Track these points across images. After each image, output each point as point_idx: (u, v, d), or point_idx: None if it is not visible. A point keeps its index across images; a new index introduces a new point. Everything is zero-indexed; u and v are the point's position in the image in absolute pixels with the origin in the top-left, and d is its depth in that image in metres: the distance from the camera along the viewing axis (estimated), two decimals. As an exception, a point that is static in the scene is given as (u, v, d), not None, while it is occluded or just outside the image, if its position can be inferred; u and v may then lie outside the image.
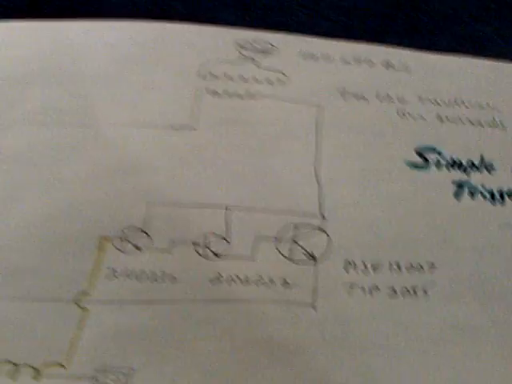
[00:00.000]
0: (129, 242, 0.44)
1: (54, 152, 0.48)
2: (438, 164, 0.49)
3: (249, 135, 0.49)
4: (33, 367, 0.40)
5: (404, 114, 0.51)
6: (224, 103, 0.51)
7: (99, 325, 0.42)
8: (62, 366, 0.40)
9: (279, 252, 0.44)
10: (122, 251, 0.44)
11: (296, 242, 0.44)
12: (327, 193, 0.46)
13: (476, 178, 0.48)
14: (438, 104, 0.52)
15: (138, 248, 0.44)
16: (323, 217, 0.45)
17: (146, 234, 0.45)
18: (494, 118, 0.52)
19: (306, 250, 0.44)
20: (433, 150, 0.49)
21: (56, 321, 0.42)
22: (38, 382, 0.40)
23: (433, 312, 0.42)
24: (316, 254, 0.44)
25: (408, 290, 0.43)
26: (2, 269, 0.43)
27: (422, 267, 0.44)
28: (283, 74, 0.53)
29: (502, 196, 0.47)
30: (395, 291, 0.43)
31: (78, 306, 0.42)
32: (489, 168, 0.49)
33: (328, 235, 0.45)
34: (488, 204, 0.47)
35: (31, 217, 0.45)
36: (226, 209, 0.46)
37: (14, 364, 0.40)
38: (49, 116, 0.50)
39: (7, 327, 0.41)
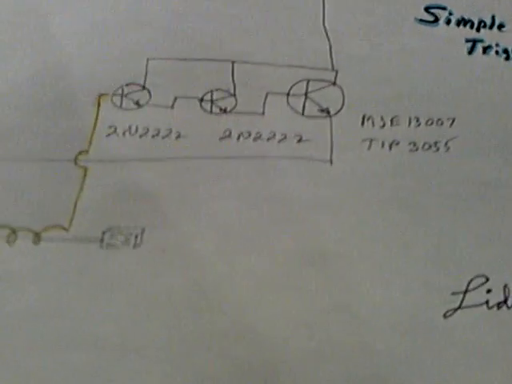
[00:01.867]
0: (129, 98, 0.40)
1: (39, 6, 0.43)
2: (448, 21, 0.46)
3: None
4: (32, 231, 0.37)
5: None
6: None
7: (101, 184, 0.39)
8: (64, 228, 0.37)
9: (291, 108, 0.41)
10: (121, 108, 0.40)
11: (309, 97, 0.41)
12: (338, 47, 0.43)
13: (488, 36, 0.46)
14: None
15: (138, 104, 0.40)
16: (336, 71, 0.42)
17: (147, 89, 0.41)
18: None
19: (319, 105, 0.41)
20: (442, 8, 0.47)
21: (55, 182, 0.38)
22: (37, 246, 0.36)
23: (456, 167, 0.40)
24: (330, 109, 0.41)
25: (429, 145, 0.41)
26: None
27: (442, 122, 0.41)
28: None
29: (516, 54, 0.45)
30: (416, 145, 0.41)
31: (77, 165, 0.38)
32: (500, 27, 0.46)
33: (342, 89, 0.42)
34: (502, 61, 0.45)
35: (21, 75, 0.42)
36: (233, 63, 0.42)
37: (12, 228, 0.37)
38: None
39: (2, 190, 0.38)
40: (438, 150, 0.41)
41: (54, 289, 0.36)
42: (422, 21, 0.45)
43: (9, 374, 0.34)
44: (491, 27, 0.46)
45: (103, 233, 0.37)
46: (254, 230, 0.37)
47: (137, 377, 0.35)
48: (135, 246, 0.37)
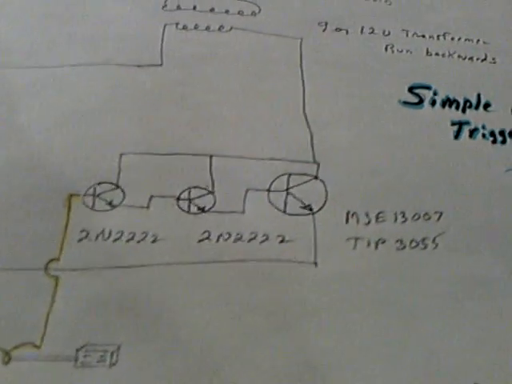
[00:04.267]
0: (101, 198, 0.38)
1: (5, 96, 0.41)
2: (433, 103, 0.45)
3: (226, 73, 0.44)
4: (1, 349, 0.34)
5: (392, 49, 0.47)
6: (195, 38, 0.45)
7: (73, 296, 0.36)
8: (35, 345, 0.35)
9: (273, 205, 0.39)
10: (93, 209, 0.38)
11: (290, 193, 0.40)
12: (319, 136, 0.42)
13: (474, 118, 0.44)
14: (426, 38, 0.48)
15: (111, 205, 0.38)
16: (318, 163, 0.41)
17: (121, 188, 0.39)
18: (485, 54, 0.48)
19: (301, 201, 0.39)
20: (426, 87, 0.45)
21: (24, 293, 0.36)
22: (6, 366, 0.34)
23: (445, 264, 0.39)
24: (313, 205, 0.39)
25: (417, 242, 0.39)
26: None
27: (429, 216, 0.40)
28: (256, 4, 0.47)
29: (503, 136, 0.44)
30: (403, 243, 0.39)
31: (48, 274, 0.36)
32: (486, 107, 0.45)
33: (324, 183, 0.40)
34: (489, 145, 0.43)
35: None
36: (211, 158, 0.40)
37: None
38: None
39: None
40: (425, 247, 0.39)
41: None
42: (406, 103, 0.44)
43: None
44: (477, 107, 0.45)
45: (77, 350, 0.35)
46: (238, 342, 0.36)
47: None
48: (111, 364, 0.35)
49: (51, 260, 0.37)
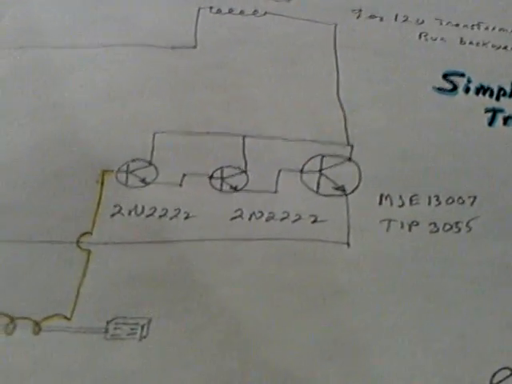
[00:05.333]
0: (134, 175, 0.38)
1: (41, 75, 0.41)
2: (467, 90, 0.44)
3: (260, 56, 0.44)
4: (32, 320, 0.34)
5: (426, 38, 0.46)
6: (229, 21, 0.45)
7: (105, 269, 0.36)
8: (66, 317, 0.35)
9: (305, 185, 0.39)
10: (127, 185, 0.38)
11: (323, 174, 0.39)
12: (353, 119, 0.41)
13: (509, 106, 0.44)
14: (459, 27, 0.48)
15: (144, 182, 0.38)
16: (351, 146, 0.40)
17: (154, 166, 0.39)
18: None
19: (334, 183, 0.39)
20: (460, 75, 0.45)
21: (56, 266, 0.36)
22: (37, 336, 0.34)
23: (479, 249, 0.38)
24: (346, 187, 0.39)
25: (450, 225, 0.39)
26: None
27: (463, 201, 0.39)
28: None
29: (538, 124, 0.43)
30: (436, 226, 0.38)
31: (80, 248, 0.36)
32: (521, 95, 0.45)
33: (358, 165, 0.40)
34: (524, 133, 0.43)
35: (18, 148, 0.39)
36: (244, 138, 0.40)
37: (10, 317, 0.34)
38: (31, 36, 0.43)
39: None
40: (459, 230, 0.39)
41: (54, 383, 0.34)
42: (440, 90, 0.44)
43: None
44: (511, 95, 0.44)
45: (107, 323, 0.35)
46: (269, 320, 0.35)
47: None
48: (141, 337, 0.34)
49: (83, 234, 0.37)
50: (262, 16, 0.46)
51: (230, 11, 0.46)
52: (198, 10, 0.46)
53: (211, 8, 0.46)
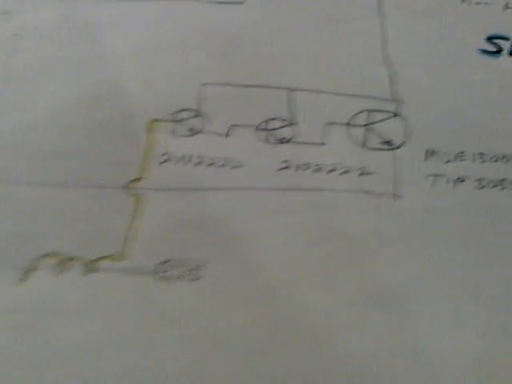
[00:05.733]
0: (182, 124, 0.39)
1: (89, 27, 0.42)
2: (511, 53, 0.44)
3: (307, 13, 0.44)
4: (83, 260, 0.35)
5: (470, 2, 0.46)
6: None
7: (155, 214, 0.37)
8: (116, 258, 0.35)
9: (352, 139, 0.39)
10: (175, 134, 0.39)
11: (370, 129, 0.40)
12: (400, 76, 0.42)
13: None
14: None
15: (192, 131, 0.39)
16: (398, 101, 0.41)
17: (202, 116, 0.39)
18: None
19: (381, 137, 0.39)
20: (505, 38, 0.45)
21: (106, 209, 0.37)
22: (87, 277, 0.34)
23: (524, 205, 0.38)
24: (393, 142, 0.39)
25: (495, 183, 0.39)
26: (40, 152, 0.38)
27: (507, 159, 0.40)
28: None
29: None
30: (481, 183, 0.39)
31: (130, 192, 0.37)
32: None
33: (404, 121, 0.40)
34: None
35: (68, 98, 0.40)
36: (291, 91, 0.40)
37: (61, 257, 0.35)
38: None
39: (52, 216, 0.36)
40: (504, 188, 0.39)
41: (105, 323, 0.34)
42: (484, 52, 0.44)
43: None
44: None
45: (158, 265, 0.35)
46: (316, 267, 0.36)
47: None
48: (191, 280, 0.35)
49: (133, 180, 0.37)
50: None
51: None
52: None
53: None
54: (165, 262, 0.35)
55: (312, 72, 0.41)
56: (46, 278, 0.35)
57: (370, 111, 0.40)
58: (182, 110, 0.39)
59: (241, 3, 0.43)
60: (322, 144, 0.39)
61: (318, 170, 0.38)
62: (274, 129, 0.39)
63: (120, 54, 0.42)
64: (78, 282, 0.35)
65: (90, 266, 0.35)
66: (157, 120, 0.39)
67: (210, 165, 0.38)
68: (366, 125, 0.40)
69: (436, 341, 0.35)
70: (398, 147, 0.39)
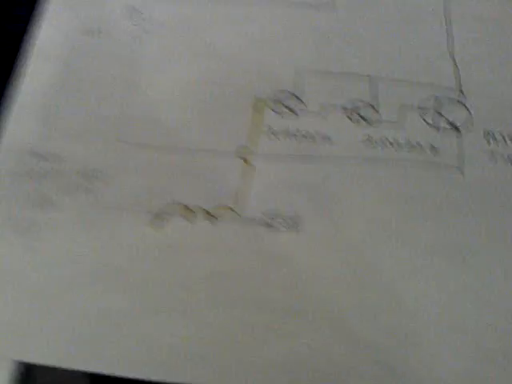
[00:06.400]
0: (283, 104, 0.47)
1: (208, 25, 0.51)
2: None
3: (383, 16, 0.52)
4: (206, 210, 0.43)
5: None
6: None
7: (263, 176, 0.45)
8: (234, 210, 0.43)
9: (424, 120, 0.47)
10: (277, 112, 0.46)
11: (439, 113, 0.47)
12: (463, 72, 0.49)
13: None
14: None
15: (291, 110, 0.46)
16: (462, 92, 0.48)
17: (298, 97, 0.47)
18: None
19: (448, 120, 0.47)
20: None
21: (222, 171, 0.45)
22: (213, 224, 0.43)
23: None
24: (458, 125, 0.47)
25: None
26: (165, 121, 0.46)
27: None
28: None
29: None
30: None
31: (241, 156, 0.44)
32: None
33: (467, 108, 0.47)
34: None
35: (187, 77, 0.48)
36: (371, 79, 0.48)
37: (188, 207, 0.43)
38: None
39: (178, 175, 0.44)
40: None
41: (226, 260, 0.42)
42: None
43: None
44: None
45: (271, 219, 0.43)
46: (395, 224, 0.43)
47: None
48: (298, 231, 0.43)
49: (245, 148, 0.45)
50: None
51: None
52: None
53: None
54: (276, 217, 0.43)
55: (389, 62, 0.49)
56: (175, 222, 0.43)
57: (437, 97, 0.48)
58: (282, 91, 0.47)
59: (330, 6, 0.51)
60: (398, 123, 0.47)
61: (394, 144, 0.46)
62: (359, 110, 0.47)
63: (231, 46, 0.50)
64: (206, 228, 0.43)
65: (214, 215, 0.43)
66: (261, 99, 0.47)
67: (304, 136, 0.46)
68: (434, 109, 0.47)
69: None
70: (462, 129, 0.47)
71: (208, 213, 0.43)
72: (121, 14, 0.51)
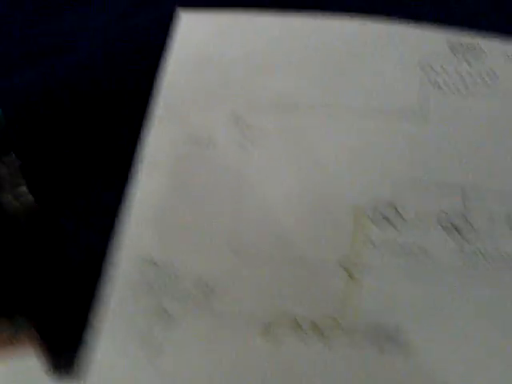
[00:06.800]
0: (381, 214, 0.50)
1: (310, 135, 0.55)
2: None
3: (470, 130, 0.55)
4: (313, 322, 0.46)
5: None
6: (447, 97, 0.56)
7: (366, 289, 0.47)
8: (338, 321, 0.46)
9: (513, 230, 0.49)
10: (376, 223, 0.50)
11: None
12: None
13: None
14: None
15: (390, 221, 0.50)
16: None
17: (396, 209, 0.50)
18: None
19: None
20: None
21: (327, 281, 0.48)
22: (324, 345, 0.45)
23: None
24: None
25: None
26: (273, 232, 0.50)
27: None
28: (494, 74, 0.58)
29: None
30: None
31: (344, 266, 0.48)
32: None
33: None
34: None
35: (292, 189, 0.52)
36: (463, 188, 0.51)
37: (297, 318, 0.46)
38: (291, 101, 0.57)
39: (284, 284, 0.48)
40: None
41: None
42: None
43: None
44: None
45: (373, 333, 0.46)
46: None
47: None
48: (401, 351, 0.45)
49: (344, 256, 0.48)
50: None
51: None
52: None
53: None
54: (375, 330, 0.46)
55: (480, 172, 0.52)
56: (286, 335, 0.46)
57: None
58: (380, 201, 0.51)
59: (423, 116, 0.55)
60: (491, 236, 0.49)
61: (486, 255, 0.49)
62: (451, 220, 0.50)
63: (333, 158, 0.54)
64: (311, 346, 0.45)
65: (317, 328, 0.46)
66: (361, 210, 0.50)
67: (402, 247, 0.49)
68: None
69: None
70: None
71: (315, 325, 0.45)
72: (227, 123, 0.55)
